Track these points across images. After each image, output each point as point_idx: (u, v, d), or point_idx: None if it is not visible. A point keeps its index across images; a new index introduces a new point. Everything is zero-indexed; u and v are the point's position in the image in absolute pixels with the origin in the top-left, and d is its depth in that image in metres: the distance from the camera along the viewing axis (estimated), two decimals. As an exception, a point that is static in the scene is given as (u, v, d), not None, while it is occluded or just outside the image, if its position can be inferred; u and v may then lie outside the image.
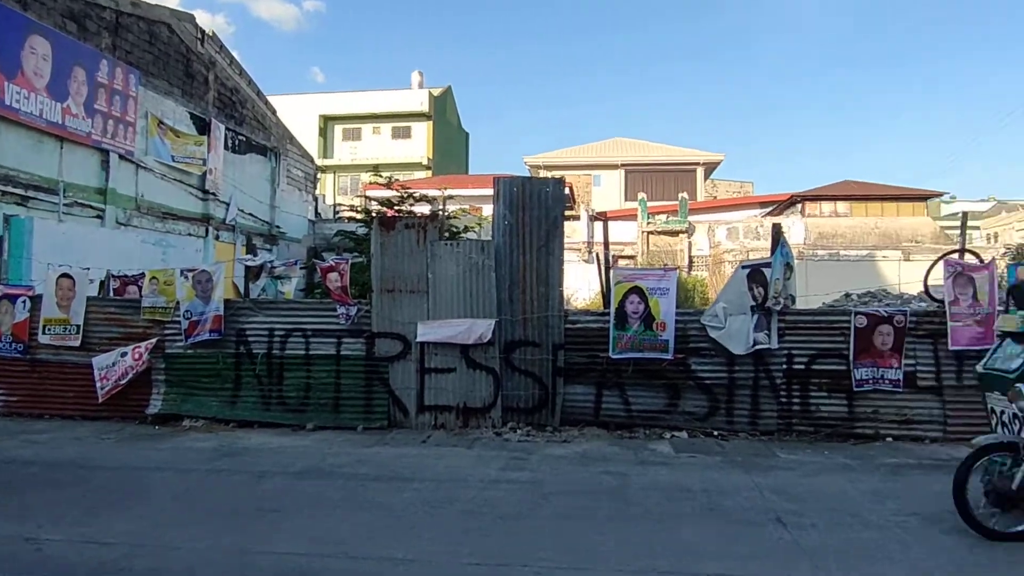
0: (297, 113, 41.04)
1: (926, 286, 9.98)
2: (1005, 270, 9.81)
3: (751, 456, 8.11)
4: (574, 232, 28.87)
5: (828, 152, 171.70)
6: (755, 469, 7.43)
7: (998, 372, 5.95)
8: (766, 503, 6.14)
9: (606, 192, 42.01)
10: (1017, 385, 5.54)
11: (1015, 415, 5.62)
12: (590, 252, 27.50)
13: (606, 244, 11.77)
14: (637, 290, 9.43)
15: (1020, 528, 5.12)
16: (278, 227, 24.28)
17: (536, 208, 9.63)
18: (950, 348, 8.89)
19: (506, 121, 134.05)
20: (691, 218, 31.22)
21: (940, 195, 39.34)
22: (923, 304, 10.38)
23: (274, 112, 24.61)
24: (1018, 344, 5.97)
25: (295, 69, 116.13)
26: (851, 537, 5.25)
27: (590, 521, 5.66)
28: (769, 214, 36.57)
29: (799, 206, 33.87)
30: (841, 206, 33.56)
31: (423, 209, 18.03)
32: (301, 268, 14.49)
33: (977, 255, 9.80)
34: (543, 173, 37.72)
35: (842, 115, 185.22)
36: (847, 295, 12.79)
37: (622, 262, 29.13)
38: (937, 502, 5.99)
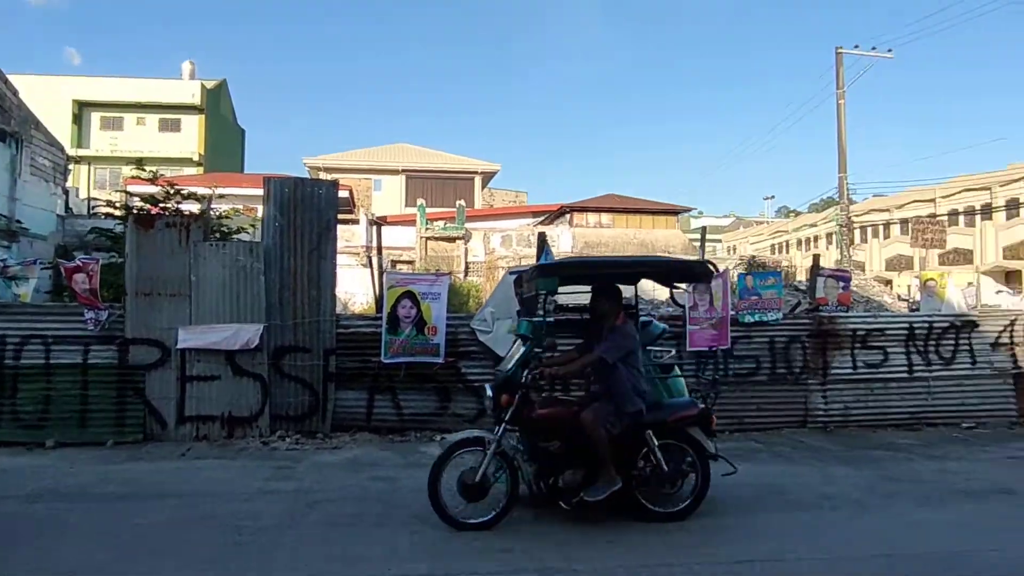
0: (46, 96, 36.56)
1: (672, 293, 11.03)
2: (736, 278, 11.07)
3: (518, 454, 8.47)
4: (353, 236, 28.43)
5: (595, 167, 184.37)
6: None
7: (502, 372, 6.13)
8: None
9: (387, 197, 41.83)
10: (486, 385, 6.00)
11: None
12: (369, 257, 27.24)
13: (379, 249, 11.74)
14: (409, 295, 9.50)
15: (484, 519, 5.46)
16: (18, 222, 21.44)
17: (308, 210, 9.37)
18: (688, 349, 9.91)
19: (288, 123, 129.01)
20: (468, 225, 31.97)
21: (689, 210, 43.62)
22: (670, 309, 11.46)
23: (15, 93, 21.74)
24: (522, 346, 6.25)
25: (45, 48, 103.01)
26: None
27: (357, 527, 5.61)
28: (541, 223, 38.44)
29: (568, 216, 35.97)
30: (605, 218, 36.11)
31: (192, 207, 16.82)
32: (43, 268, 12.92)
33: (714, 265, 10.99)
34: (323, 175, 36.78)
35: (609, 135, 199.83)
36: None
37: (400, 267, 29.19)
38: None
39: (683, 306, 10.15)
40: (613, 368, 5.61)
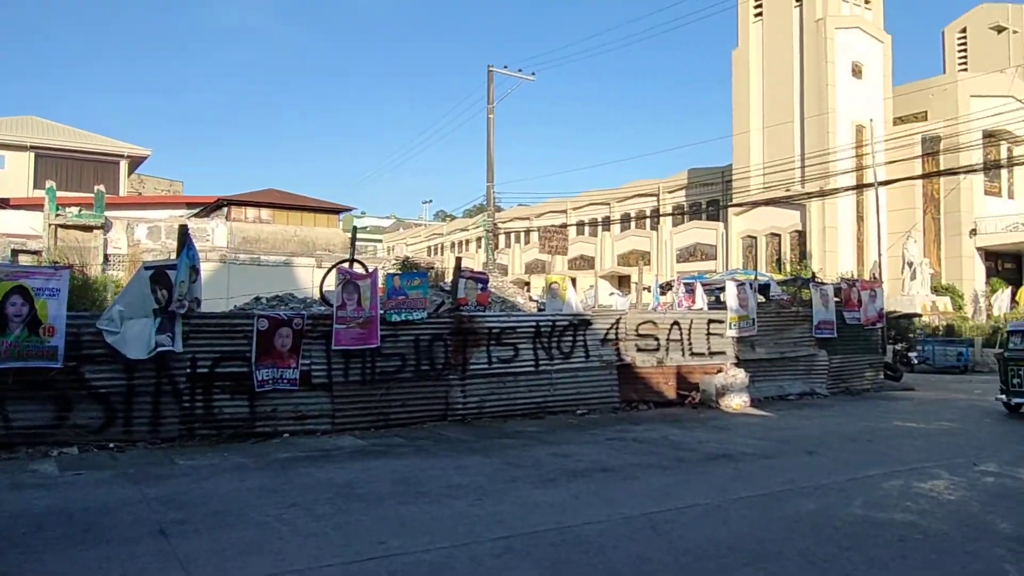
0: None
1: (322, 291, 10.94)
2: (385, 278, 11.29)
3: (146, 466, 7.68)
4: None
5: (257, 160, 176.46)
6: (147, 480, 7.04)
7: None
8: (152, 515, 5.84)
9: (12, 176, 35.46)
10: None
11: None
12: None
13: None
14: (21, 290, 8.13)
15: None
16: None
17: None
18: (333, 348, 9.87)
19: None
20: (112, 213, 28.40)
21: (351, 210, 43.77)
22: (323, 308, 11.34)
23: None
24: None
25: None
26: (231, 537, 5.34)
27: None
28: (196, 216, 35.70)
29: (226, 210, 33.85)
30: (265, 213, 34.65)
31: None
32: None
33: (364, 265, 11.13)
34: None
35: (272, 128, 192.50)
36: (257, 299, 13.20)
37: (24, 258, 24.88)
38: (320, 489, 6.59)
39: (332, 305, 10.10)
40: None
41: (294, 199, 36.20)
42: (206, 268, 24.71)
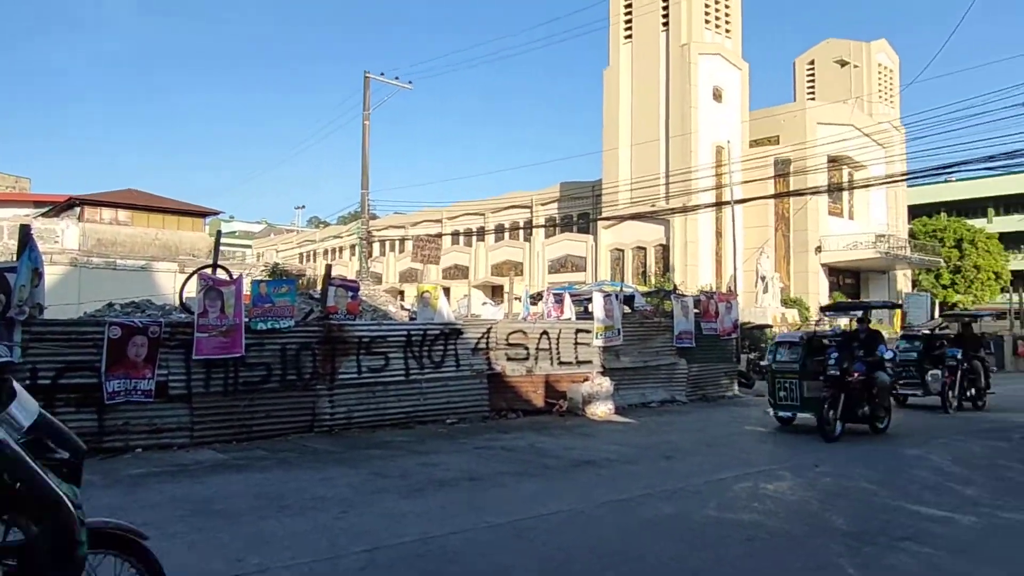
0: None
1: (182, 298, 10.42)
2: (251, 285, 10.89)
3: (-28, 489, 7.03)
4: None
5: (116, 160, 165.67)
6: (-27, 503, 6.45)
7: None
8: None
9: None
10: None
11: None
12: None
13: None
14: None
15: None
16: None
17: None
18: (195, 357, 9.43)
19: None
20: (-63, 209, 25.92)
21: (218, 213, 41.97)
22: (183, 315, 10.79)
23: None
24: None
25: None
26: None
27: None
28: (45, 215, 33.17)
29: (78, 210, 31.65)
30: (123, 214, 32.70)
31: None
32: None
33: (228, 270, 10.70)
34: None
35: (135, 127, 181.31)
36: (110, 305, 12.40)
37: None
38: (174, 507, 6.26)
39: (193, 312, 9.65)
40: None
41: (156, 201, 34.34)
42: (54, 272, 23.08)
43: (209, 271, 10.22)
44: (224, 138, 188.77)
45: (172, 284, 26.23)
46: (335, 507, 6.42)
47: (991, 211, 63.68)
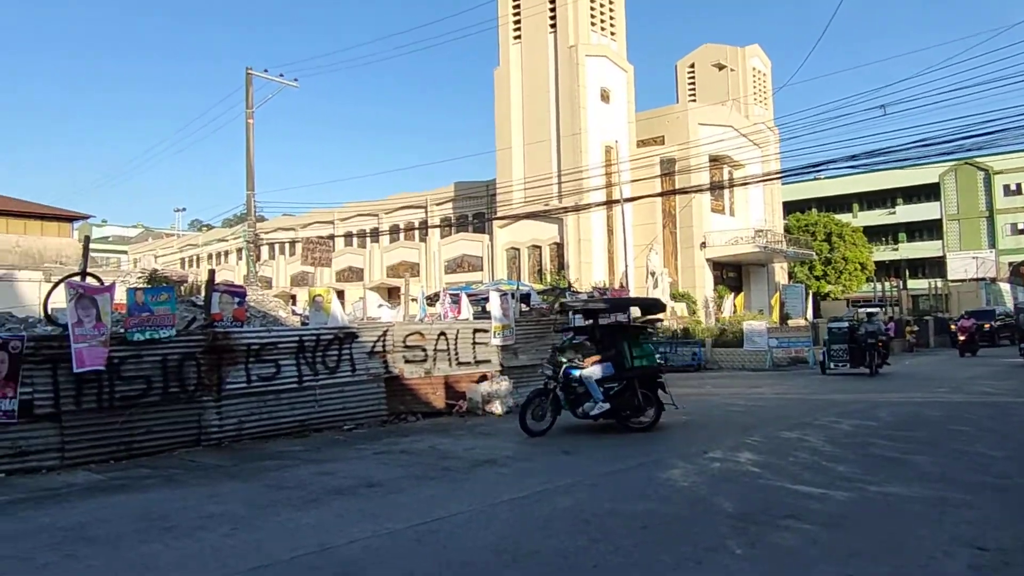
0: None
1: (46, 309, 9.69)
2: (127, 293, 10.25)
3: None
4: None
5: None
6: None
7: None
8: None
9: None
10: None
11: None
12: None
13: None
14: None
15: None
16: None
17: None
18: (75, 370, 8.77)
19: None
20: None
21: (88, 217, 39.42)
22: (49, 328, 10.03)
23: None
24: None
25: None
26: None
27: None
28: None
29: (-77, 215, 28.97)
30: (-22, 219, 30.19)
31: None
32: None
33: (99, 278, 10.02)
34: None
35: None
36: (-36, 319, 11.37)
37: None
38: (43, 535, 5.77)
39: (62, 324, 8.99)
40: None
41: (15, 204, 31.87)
42: None
43: (78, 279, 9.53)
44: (92, 136, 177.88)
45: (37, 294, 24.40)
46: (225, 524, 6.09)
47: (856, 206, 68.39)
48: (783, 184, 49.18)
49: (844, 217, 60.53)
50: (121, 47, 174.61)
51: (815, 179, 62.20)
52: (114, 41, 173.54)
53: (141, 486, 7.74)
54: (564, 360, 10.71)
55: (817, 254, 49.63)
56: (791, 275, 49.78)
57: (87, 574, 4.95)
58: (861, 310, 23.69)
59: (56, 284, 9.52)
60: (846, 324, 22.17)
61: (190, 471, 8.55)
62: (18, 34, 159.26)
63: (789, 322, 31.28)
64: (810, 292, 42.91)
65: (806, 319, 31.61)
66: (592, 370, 10.62)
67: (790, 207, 56.75)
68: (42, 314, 11.38)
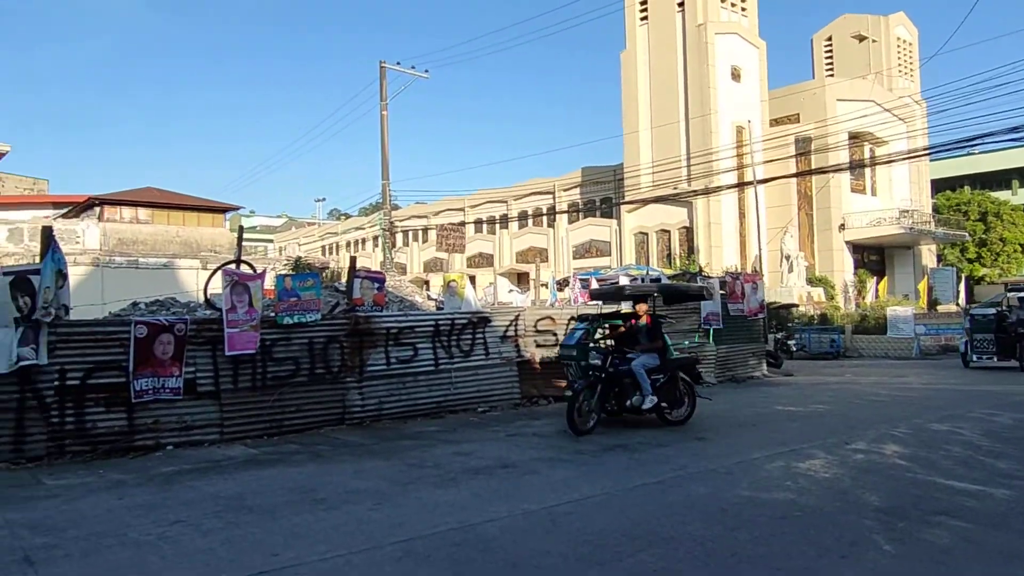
0: None
1: (206, 295, 10.46)
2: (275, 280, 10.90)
3: (8, 489, 7.11)
4: None
5: (136, 159, 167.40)
6: (10, 503, 6.52)
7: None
8: (15, 542, 5.39)
9: None
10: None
11: None
12: None
13: None
14: None
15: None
16: None
17: None
18: (227, 353, 9.46)
19: None
20: (-35, 214, 26.29)
21: (238, 209, 42.18)
22: (208, 312, 10.83)
23: None
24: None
25: None
26: (107, 560, 5.01)
27: None
28: (64, 216, 33.55)
29: (98, 210, 31.91)
30: (143, 212, 32.90)
31: None
32: None
33: (252, 265, 10.72)
34: None
35: (152, 125, 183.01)
36: (135, 304, 12.49)
37: None
38: (207, 503, 6.29)
39: (220, 309, 9.68)
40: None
41: (175, 198, 34.53)
42: (77, 272, 23.30)
43: (233, 266, 10.23)
44: (240, 134, 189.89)
45: (195, 281, 26.43)
46: (369, 499, 6.40)
47: (1015, 183, 62.48)
48: (931, 161, 45.78)
49: (1002, 195, 55.44)
50: (257, 52, 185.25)
51: (968, 154, 57.28)
52: (252, 47, 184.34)
53: (292, 461, 8.25)
54: (597, 352, 9.97)
55: (971, 235, 45.82)
56: (940, 258, 46.29)
57: (247, 540, 5.33)
58: (1011, 294, 20.28)
59: (215, 271, 10.26)
60: (992, 311, 19.38)
61: (335, 448, 9.02)
62: (176, 45, 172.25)
63: (938, 308, 29.21)
64: (962, 276, 39.84)
65: (958, 304, 29.44)
66: (643, 360, 9.91)
67: (939, 185, 52.66)
68: (202, 299, 12.31)
